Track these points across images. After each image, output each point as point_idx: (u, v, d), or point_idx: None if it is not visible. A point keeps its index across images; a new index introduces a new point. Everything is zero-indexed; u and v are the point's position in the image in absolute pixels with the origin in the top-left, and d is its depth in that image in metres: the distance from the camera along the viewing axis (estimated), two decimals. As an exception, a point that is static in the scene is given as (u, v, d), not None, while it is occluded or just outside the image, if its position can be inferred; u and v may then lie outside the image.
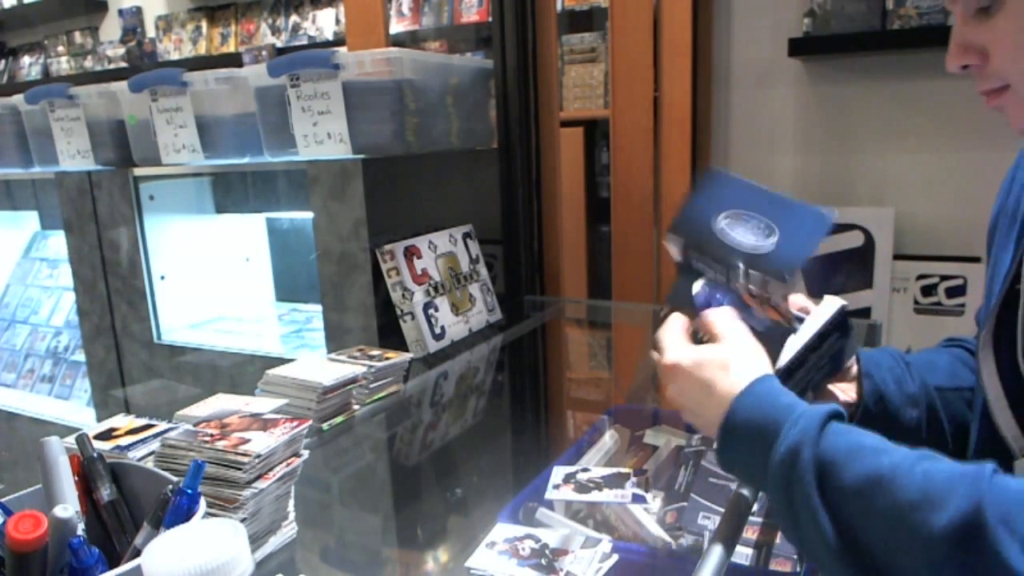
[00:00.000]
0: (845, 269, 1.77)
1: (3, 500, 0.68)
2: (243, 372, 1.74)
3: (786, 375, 0.80)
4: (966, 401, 0.87)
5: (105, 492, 0.69)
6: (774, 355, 0.77)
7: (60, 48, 4.11)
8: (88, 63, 4.01)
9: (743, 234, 0.79)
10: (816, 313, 0.84)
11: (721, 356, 0.72)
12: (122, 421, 0.95)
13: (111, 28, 3.93)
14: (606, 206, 2.02)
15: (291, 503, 0.87)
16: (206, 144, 1.69)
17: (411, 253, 1.53)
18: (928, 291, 1.71)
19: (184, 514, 0.65)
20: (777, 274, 0.76)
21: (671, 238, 0.84)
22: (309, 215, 1.53)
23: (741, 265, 0.78)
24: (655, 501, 0.95)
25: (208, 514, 0.68)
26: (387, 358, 1.28)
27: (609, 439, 1.11)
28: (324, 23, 3.35)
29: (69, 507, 0.61)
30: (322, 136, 1.51)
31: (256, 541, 0.82)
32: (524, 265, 1.88)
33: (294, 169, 1.64)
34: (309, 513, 0.94)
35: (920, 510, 0.53)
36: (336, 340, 1.52)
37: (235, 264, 2.15)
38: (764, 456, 0.63)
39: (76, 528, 0.61)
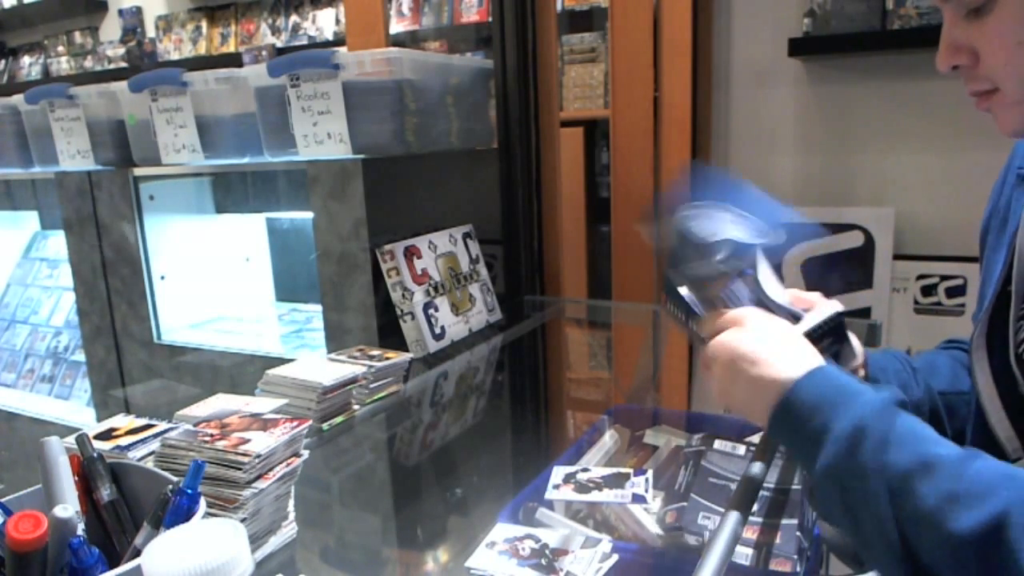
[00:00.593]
0: (845, 269, 1.77)
1: (3, 500, 0.68)
2: (243, 372, 1.74)
3: None
4: (967, 404, 0.87)
5: (105, 492, 0.69)
6: None
7: (60, 48, 4.11)
8: (88, 63, 4.01)
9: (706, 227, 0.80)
10: (813, 314, 0.84)
11: (787, 331, 0.74)
12: (122, 421, 0.95)
13: (111, 28, 3.93)
14: (606, 206, 2.02)
15: (291, 503, 0.87)
16: (206, 144, 1.69)
17: (411, 253, 1.53)
18: (928, 291, 1.71)
19: (184, 514, 0.65)
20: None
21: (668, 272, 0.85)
22: (309, 215, 1.53)
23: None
24: (655, 501, 0.95)
25: (208, 514, 0.68)
26: (387, 358, 1.28)
27: (609, 439, 1.11)
28: (324, 23, 3.35)
29: (69, 507, 0.61)
30: (322, 136, 1.51)
31: (256, 541, 0.82)
32: (524, 265, 1.88)
33: (294, 169, 1.64)
34: (309, 513, 0.94)
35: (957, 503, 0.54)
36: (336, 340, 1.52)
37: (235, 264, 2.15)
38: (826, 424, 0.63)
39: (76, 528, 0.61)
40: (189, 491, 0.65)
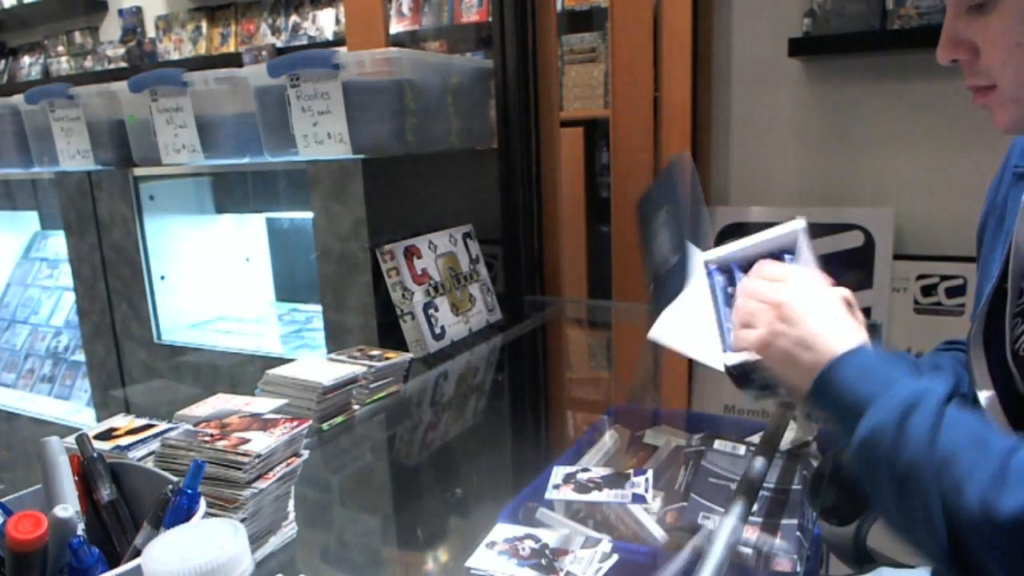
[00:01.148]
0: (845, 269, 1.77)
1: (3, 500, 0.68)
2: (243, 372, 1.74)
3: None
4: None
5: (105, 492, 0.69)
6: None
7: (60, 48, 4.10)
8: (88, 63, 4.00)
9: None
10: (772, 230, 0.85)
11: (834, 294, 0.75)
12: (122, 421, 0.95)
13: (111, 28, 3.93)
14: (606, 206, 2.02)
15: (291, 503, 0.87)
16: (206, 144, 1.69)
17: (411, 253, 1.53)
18: (928, 291, 1.71)
19: (184, 514, 0.65)
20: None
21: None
22: (309, 215, 1.53)
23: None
24: (655, 501, 0.95)
25: (208, 514, 0.68)
26: (387, 358, 1.28)
27: (609, 439, 1.11)
28: (324, 23, 3.35)
29: (69, 507, 0.61)
30: (322, 136, 1.51)
31: (256, 541, 0.82)
32: (524, 265, 1.88)
33: (294, 169, 1.64)
34: (309, 513, 0.94)
35: (1005, 484, 0.56)
36: (336, 340, 1.52)
37: (235, 264, 2.15)
38: (876, 393, 0.65)
39: (76, 528, 0.61)
40: (189, 491, 0.65)
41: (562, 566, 0.72)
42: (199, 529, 0.55)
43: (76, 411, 2.20)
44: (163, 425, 0.94)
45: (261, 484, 0.80)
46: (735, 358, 0.80)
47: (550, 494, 0.88)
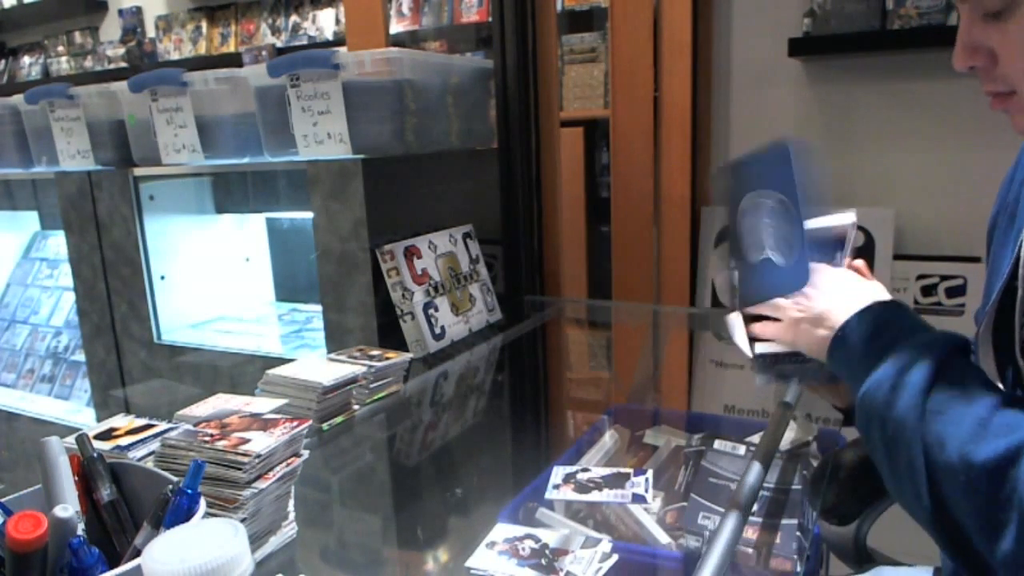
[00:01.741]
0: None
1: (3, 500, 0.68)
2: (243, 372, 1.74)
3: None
4: None
5: (105, 492, 0.69)
6: None
7: (60, 48, 4.10)
8: (88, 63, 4.00)
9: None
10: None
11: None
12: (122, 421, 0.95)
13: (111, 28, 3.93)
14: (606, 206, 2.02)
15: (291, 503, 0.87)
16: (206, 144, 1.69)
17: (411, 253, 1.53)
18: (928, 291, 1.71)
19: (184, 514, 0.65)
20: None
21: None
22: (309, 215, 1.53)
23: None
24: (655, 501, 0.95)
25: (208, 514, 0.68)
26: (387, 358, 1.28)
27: (609, 439, 1.11)
28: (324, 23, 3.35)
29: (69, 507, 0.61)
30: (322, 136, 1.51)
31: (256, 541, 0.82)
32: (524, 265, 1.88)
33: (294, 169, 1.64)
34: (309, 513, 0.94)
35: (985, 432, 0.60)
36: (336, 340, 1.52)
37: (235, 264, 2.15)
38: (884, 347, 0.70)
39: (76, 528, 0.61)
40: (189, 491, 0.65)
41: (562, 566, 0.72)
42: (199, 529, 0.55)
43: (76, 411, 2.20)
44: (163, 425, 0.94)
45: (261, 484, 0.80)
46: (762, 348, 0.85)
47: (550, 494, 0.88)
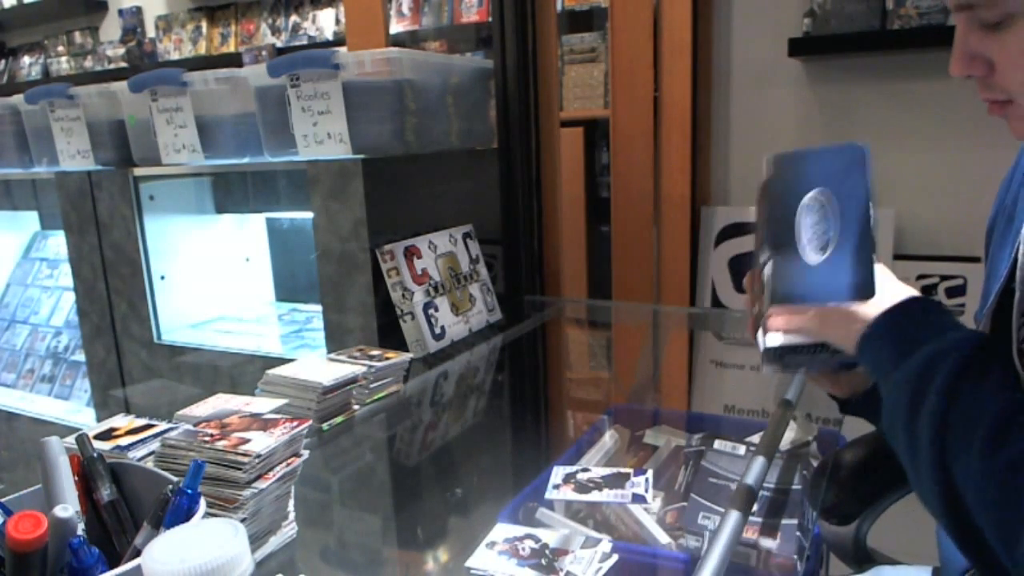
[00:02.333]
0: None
1: (3, 500, 0.68)
2: (243, 372, 1.74)
3: None
4: None
5: (105, 492, 0.69)
6: None
7: (60, 48, 4.10)
8: (88, 63, 4.00)
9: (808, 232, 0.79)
10: None
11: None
12: (122, 421, 0.95)
13: (111, 28, 3.93)
14: (606, 206, 2.02)
15: (291, 503, 0.87)
16: (206, 144, 1.69)
17: (411, 253, 1.53)
18: (928, 291, 1.71)
19: (184, 514, 0.65)
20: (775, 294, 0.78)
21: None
22: (309, 215, 1.53)
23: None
24: (655, 501, 0.95)
25: (208, 514, 0.68)
26: (387, 358, 1.28)
27: (609, 439, 1.11)
28: (324, 23, 3.35)
29: (69, 507, 0.61)
30: (322, 136, 1.51)
31: (256, 541, 0.82)
32: (524, 265, 1.88)
33: (294, 169, 1.64)
34: (309, 513, 0.94)
35: (1008, 430, 0.59)
36: (336, 340, 1.52)
37: (235, 264, 2.15)
38: (915, 342, 0.70)
39: (76, 528, 0.61)
40: (189, 491, 0.65)
41: (562, 566, 0.72)
42: (199, 529, 0.55)
43: (76, 411, 2.20)
44: (163, 425, 0.94)
45: (261, 484, 0.80)
46: (782, 340, 0.83)
47: (550, 494, 0.88)
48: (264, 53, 3.31)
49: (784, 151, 0.86)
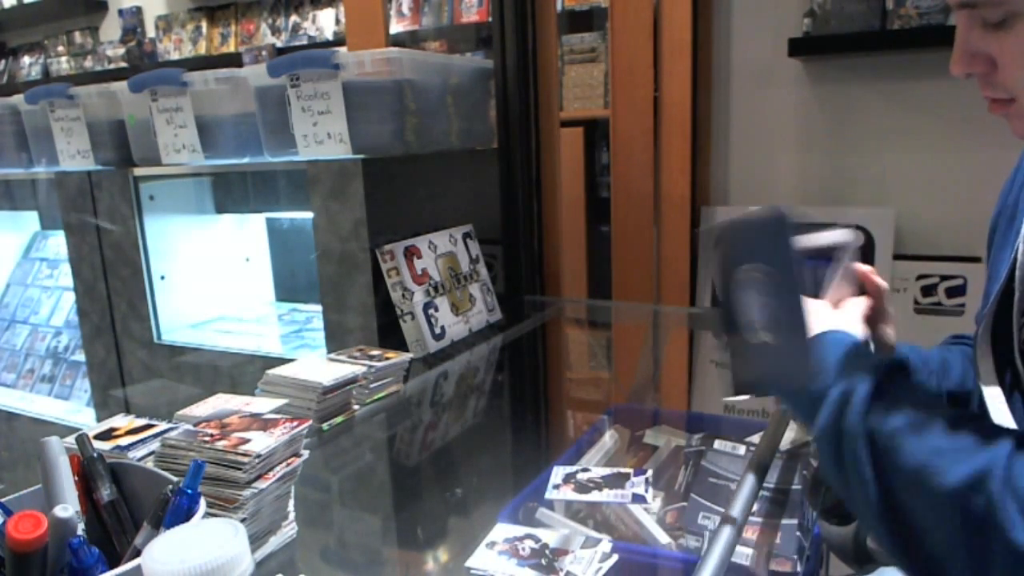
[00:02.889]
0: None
1: (3, 500, 0.68)
2: (243, 372, 1.74)
3: None
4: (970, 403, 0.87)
5: (105, 492, 0.69)
6: None
7: (60, 48, 4.10)
8: (88, 63, 4.00)
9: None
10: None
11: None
12: (122, 421, 0.95)
13: (111, 28, 3.93)
14: (606, 206, 2.02)
15: (291, 503, 0.87)
16: (206, 144, 1.69)
17: (411, 253, 1.53)
18: (928, 291, 1.71)
19: (184, 514, 0.65)
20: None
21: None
22: (309, 215, 1.53)
23: None
24: (655, 501, 0.95)
25: (208, 514, 0.68)
26: (387, 358, 1.28)
27: (609, 439, 1.11)
28: (324, 23, 3.35)
29: (69, 507, 0.61)
30: (322, 136, 1.51)
31: (256, 541, 0.82)
32: (524, 265, 1.88)
33: (294, 169, 1.64)
34: (309, 513, 0.94)
35: (944, 459, 0.57)
36: (336, 340, 1.52)
37: (235, 264, 2.15)
38: (821, 388, 0.67)
39: (76, 528, 0.61)
40: (189, 491, 0.65)
41: (562, 566, 0.72)
42: (199, 529, 0.55)
43: (76, 411, 2.20)
44: (163, 425, 0.94)
45: (261, 484, 0.80)
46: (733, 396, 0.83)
47: (550, 494, 0.88)
48: (264, 53, 3.31)
49: (713, 224, 0.84)
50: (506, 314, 1.75)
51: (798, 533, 0.83)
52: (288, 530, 0.87)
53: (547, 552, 0.74)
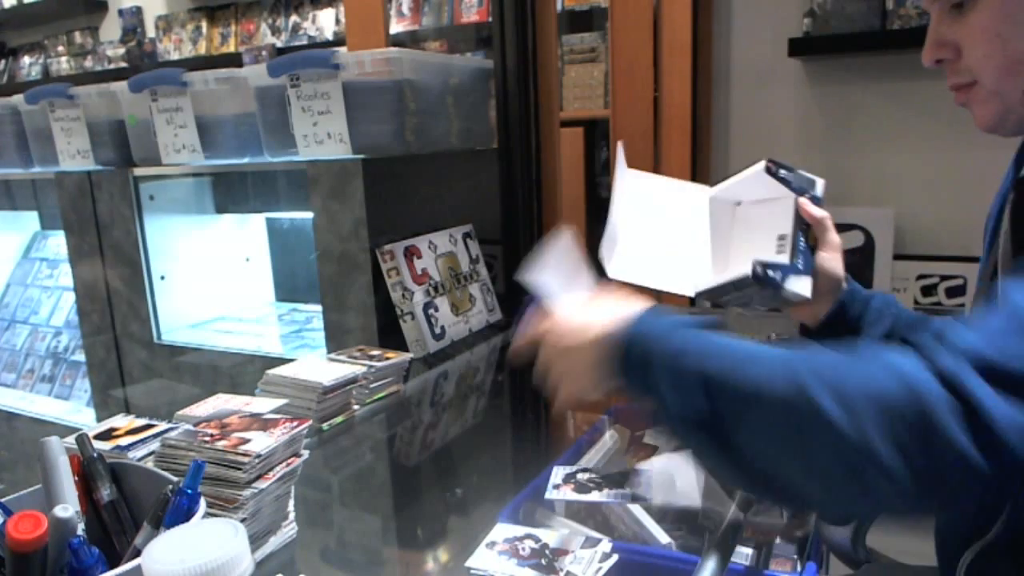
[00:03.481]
0: (845, 269, 1.76)
1: (3, 500, 0.68)
2: (243, 372, 1.74)
3: None
4: None
5: (105, 492, 0.69)
6: None
7: (60, 48, 4.10)
8: (88, 63, 4.00)
9: None
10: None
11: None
12: (122, 421, 0.95)
13: (111, 28, 3.93)
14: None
15: (291, 503, 0.87)
16: (206, 144, 1.69)
17: (411, 253, 1.53)
18: (928, 291, 1.71)
19: (184, 514, 0.65)
20: None
21: None
22: (309, 215, 1.53)
23: None
24: (655, 501, 0.95)
25: (208, 514, 0.68)
26: (387, 358, 1.28)
27: (609, 439, 1.11)
28: (324, 23, 3.35)
29: (69, 507, 0.61)
30: (322, 136, 1.51)
31: (256, 541, 0.82)
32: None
33: (294, 169, 1.64)
34: (309, 513, 0.94)
35: (774, 378, 0.55)
36: (336, 340, 1.52)
37: (235, 264, 2.15)
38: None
39: (76, 528, 0.61)
40: (189, 491, 0.65)
41: (562, 566, 0.72)
42: (199, 529, 0.55)
43: (76, 411, 2.20)
44: (163, 425, 0.94)
45: (261, 484, 0.80)
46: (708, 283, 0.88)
47: (550, 494, 0.88)
48: (264, 53, 3.31)
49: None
50: (506, 314, 1.75)
51: (798, 533, 0.83)
52: (288, 530, 0.87)
53: (547, 552, 0.74)
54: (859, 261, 1.76)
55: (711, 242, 0.94)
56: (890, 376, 0.52)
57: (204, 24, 3.64)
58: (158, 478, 0.71)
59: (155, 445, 0.85)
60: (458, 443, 1.25)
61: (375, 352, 1.30)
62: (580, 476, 0.90)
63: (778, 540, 0.83)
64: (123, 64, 3.79)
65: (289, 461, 0.84)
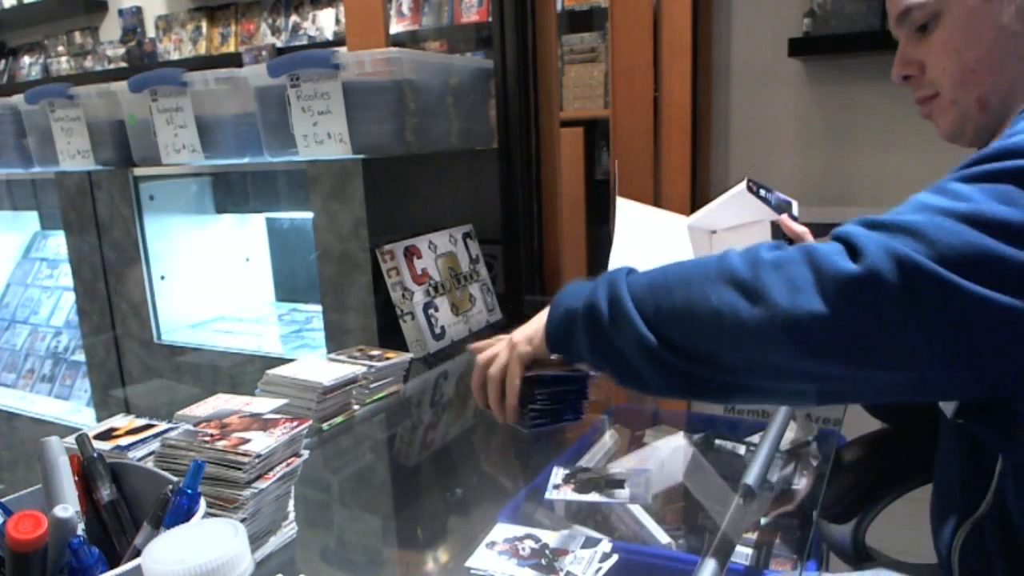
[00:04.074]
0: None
1: (3, 500, 0.68)
2: (243, 372, 1.74)
3: None
4: None
5: (105, 492, 0.69)
6: None
7: (60, 48, 4.10)
8: (88, 63, 4.00)
9: None
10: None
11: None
12: (122, 421, 0.95)
13: (111, 28, 3.93)
14: (606, 206, 2.02)
15: (291, 503, 0.87)
16: (206, 144, 1.69)
17: (411, 253, 1.53)
18: (928, 291, 1.71)
19: (184, 514, 0.65)
20: None
21: None
22: (309, 215, 1.53)
23: None
24: (655, 501, 0.95)
25: (208, 514, 0.68)
26: (387, 358, 1.28)
27: (609, 439, 1.11)
28: (324, 23, 3.35)
29: (69, 507, 0.61)
30: (322, 136, 1.51)
31: (256, 541, 0.82)
32: (524, 265, 1.88)
33: (294, 169, 1.64)
34: (309, 513, 0.94)
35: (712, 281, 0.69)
36: (336, 340, 1.52)
37: (235, 264, 2.14)
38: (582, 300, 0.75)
39: (76, 528, 0.61)
40: (189, 491, 0.65)
41: (562, 566, 0.72)
42: (199, 529, 0.55)
43: (76, 411, 2.20)
44: (163, 425, 0.94)
45: (261, 484, 0.80)
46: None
47: (550, 494, 0.88)
48: (264, 53, 3.31)
49: None
50: (506, 314, 1.75)
51: (798, 533, 0.83)
52: (288, 530, 0.87)
53: (547, 552, 0.74)
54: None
55: None
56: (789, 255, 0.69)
57: (204, 24, 3.64)
58: (158, 478, 0.71)
59: (155, 445, 0.85)
60: (458, 443, 1.25)
61: (375, 352, 1.30)
62: (580, 476, 0.90)
63: (778, 540, 0.83)
64: (123, 64, 3.79)
65: (289, 461, 0.84)
